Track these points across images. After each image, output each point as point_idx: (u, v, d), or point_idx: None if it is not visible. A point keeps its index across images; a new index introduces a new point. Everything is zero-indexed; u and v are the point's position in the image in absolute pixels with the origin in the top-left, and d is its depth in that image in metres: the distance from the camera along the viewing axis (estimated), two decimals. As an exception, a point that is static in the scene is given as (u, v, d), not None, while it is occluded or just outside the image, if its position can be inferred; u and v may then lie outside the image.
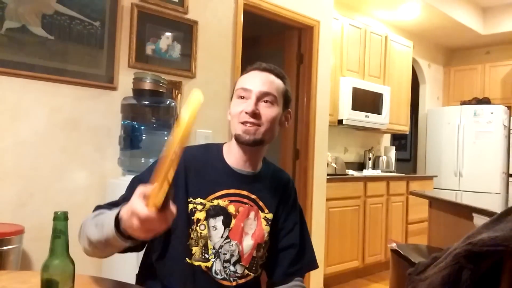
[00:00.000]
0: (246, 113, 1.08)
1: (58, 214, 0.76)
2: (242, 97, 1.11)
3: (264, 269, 1.19)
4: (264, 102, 1.10)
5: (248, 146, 1.11)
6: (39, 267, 0.79)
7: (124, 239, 0.87)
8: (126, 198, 1.00)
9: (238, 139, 1.10)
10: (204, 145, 1.22)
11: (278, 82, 1.14)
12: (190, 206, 1.08)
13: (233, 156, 1.15)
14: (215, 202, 1.10)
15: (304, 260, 1.19)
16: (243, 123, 1.09)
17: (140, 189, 0.80)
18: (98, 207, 1.07)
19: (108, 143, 2.25)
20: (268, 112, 1.10)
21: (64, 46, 2.09)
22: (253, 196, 1.14)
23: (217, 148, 1.18)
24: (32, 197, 2.02)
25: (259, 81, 1.11)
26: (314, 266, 1.23)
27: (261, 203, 1.15)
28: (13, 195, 1.98)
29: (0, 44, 1.91)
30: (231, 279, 1.10)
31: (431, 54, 5.89)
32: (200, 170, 1.12)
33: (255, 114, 1.08)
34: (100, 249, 0.96)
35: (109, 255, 1.02)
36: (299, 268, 1.18)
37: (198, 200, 1.09)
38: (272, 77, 1.13)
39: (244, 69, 1.20)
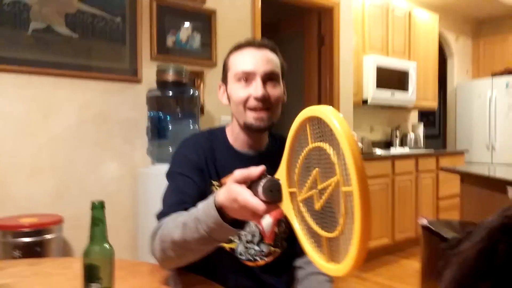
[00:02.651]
0: (255, 98, 1.01)
1: (95, 204, 0.80)
2: (245, 80, 1.03)
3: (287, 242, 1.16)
4: (270, 81, 1.04)
5: (260, 132, 1.07)
6: (79, 253, 0.84)
7: (231, 226, 0.79)
8: (183, 192, 0.99)
9: (250, 127, 1.04)
10: (207, 131, 1.17)
11: (276, 57, 1.07)
12: (213, 188, 1.07)
13: (238, 140, 1.10)
14: None
15: None
16: (253, 109, 1.02)
17: (240, 174, 0.75)
18: (161, 215, 0.98)
19: (137, 135, 2.32)
20: (275, 92, 1.04)
21: (88, 43, 2.15)
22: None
23: (220, 132, 1.14)
24: (68, 189, 2.12)
25: (260, 60, 1.03)
26: None
27: None
28: (51, 188, 2.08)
29: (28, 44, 1.99)
30: (258, 258, 1.10)
31: (458, 27, 5.68)
32: (209, 155, 1.08)
33: (265, 98, 1.02)
34: (194, 250, 0.87)
35: (191, 259, 0.93)
36: None
37: (216, 183, 1.07)
38: (269, 54, 1.06)
39: (235, 47, 1.08)
